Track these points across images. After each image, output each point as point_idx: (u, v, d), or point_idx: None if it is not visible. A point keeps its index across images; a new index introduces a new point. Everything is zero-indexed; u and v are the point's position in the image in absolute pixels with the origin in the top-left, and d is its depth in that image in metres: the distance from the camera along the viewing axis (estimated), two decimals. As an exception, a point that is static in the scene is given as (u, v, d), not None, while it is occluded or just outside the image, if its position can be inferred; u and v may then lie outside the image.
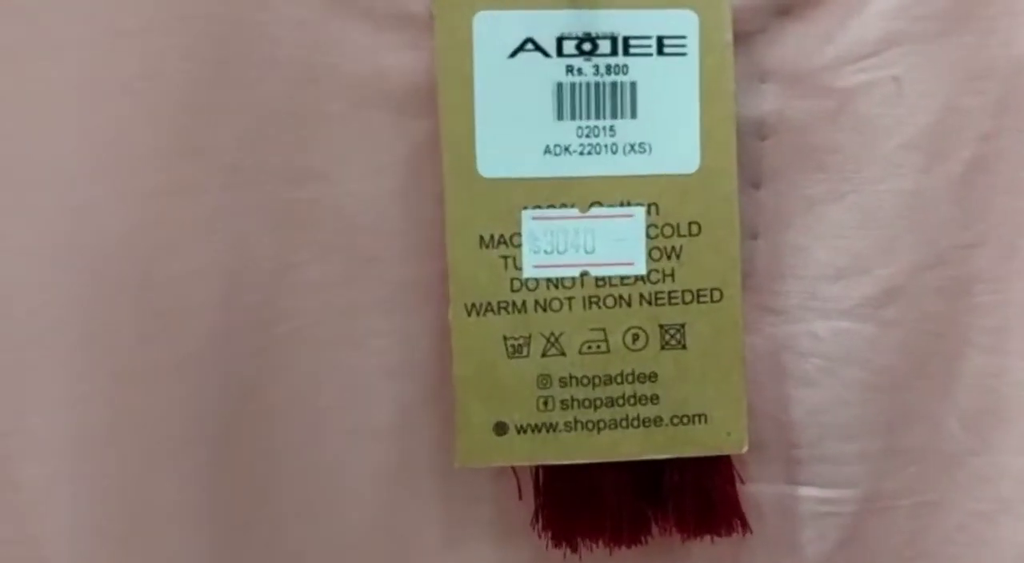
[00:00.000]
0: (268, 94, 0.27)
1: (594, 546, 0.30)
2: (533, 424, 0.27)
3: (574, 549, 0.29)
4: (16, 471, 0.28)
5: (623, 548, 0.30)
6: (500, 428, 0.27)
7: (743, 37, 0.27)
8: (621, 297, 0.27)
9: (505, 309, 0.27)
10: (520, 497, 0.30)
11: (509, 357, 0.27)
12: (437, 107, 0.26)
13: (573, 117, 0.26)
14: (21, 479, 0.28)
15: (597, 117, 0.26)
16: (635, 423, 0.27)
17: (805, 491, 0.31)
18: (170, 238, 0.27)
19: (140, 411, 0.28)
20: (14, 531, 0.28)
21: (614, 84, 0.26)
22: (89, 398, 0.27)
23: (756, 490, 0.30)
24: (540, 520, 0.29)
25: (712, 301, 0.27)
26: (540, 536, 0.30)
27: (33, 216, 0.27)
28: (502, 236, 0.26)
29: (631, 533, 0.30)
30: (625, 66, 0.26)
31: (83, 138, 0.26)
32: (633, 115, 0.26)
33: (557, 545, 0.30)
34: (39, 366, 0.27)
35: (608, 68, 0.26)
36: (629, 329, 0.27)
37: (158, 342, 0.27)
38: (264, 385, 0.29)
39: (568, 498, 0.29)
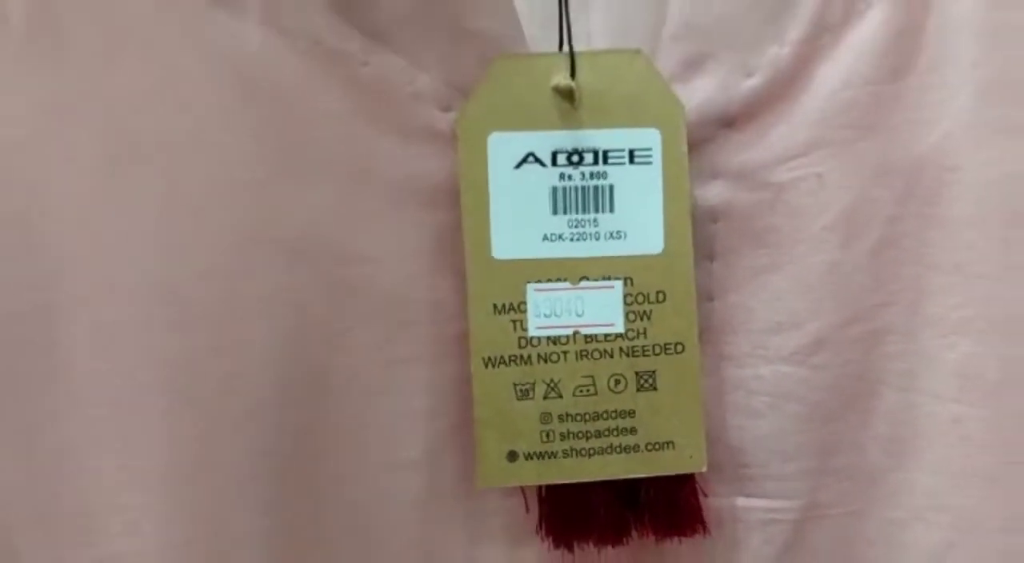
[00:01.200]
0: (324, 193, 0.32)
1: (586, 546, 0.35)
2: (537, 452, 0.33)
3: (570, 550, 0.34)
4: (117, 497, 0.33)
5: (609, 548, 0.35)
6: (511, 456, 0.33)
7: (696, 145, 0.33)
8: (605, 351, 0.32)
9: (514, 362, 0.32)
10: (527, 510, 0.35)
11: (518, 399, 0.32)
12: (460, 204, 0.32)
13: (565, 212, 0.32)
14: (123, 503, 0.33)
15: (583, 212, 0.32)
16: (618, 450, 0.33)
17: (755, 502, 0.36)
18: (243, 308, 0.32)
19: (217, 452, 0.32)
20: (109, 550, 0.34)
21: (596, 187, 0.32)
22: (177, 441, 0.31)
23: (715, 501, 0.35)
24: (543, 528, 0.34)
25: (676, 353, 0.33)
26: (543, 540, 0.35)
27: (130, 290, 0.31)
28: (511, 304, 0.32)
29: (615, 536, 0.35)
30: (605, 173, 0.32)
31: (171, 227, 0.31)
32: (611, 210, 0.32)
33: (557, 547, 0.35)
34: (137, 414, 0.32)
35: (592, 175, 0.32)
36: (612, 375, 0.33)
37: (232, 395, 0.32)
38: (318, 428, 0.33)
39: (565, 510, 0.34)
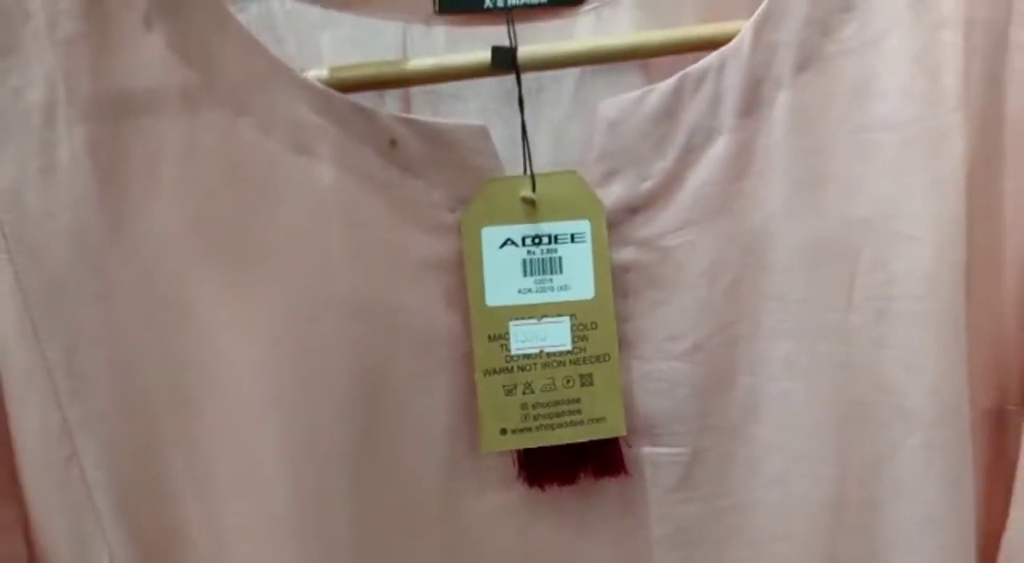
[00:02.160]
0: (379, 270, 0.45)
1: (550, 486, 0.48)
2: (519, 428, 0.47)
3: (542, 488, 0.48)
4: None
5: (565, 486, 0.48)
6: (503, 431, 0.47)
7: (613, 226, 0.47)
8: (560, 362, 0.47)
9: (503, 372, 0.47)
10: (513, 465, 0.48)
11: (506, 395, 0.47)
12: (465, 271, 0.47)
13: (532, 274, 0.47)
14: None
15: (543, 274, 0.47)
16: (569, 424, 0.47)
17: (658, 450, 0.49)
18: (334, 348, 0.44)
19: (319, 445, 0.44)
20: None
21: (551, 258, 0.47)
22: (289, 441, 0.44)
23: (633, 452, 0.49)
24: (522, 476, 0.48)
25: (605, 361, 0.47)
26: (523, 484, 0.48)
27: (257, 346, 0.44)
28: (499, 334, 0.47)
29: (569, 478, 0.48)
30: (556, 249, 0.47)
31: (286, 310, 0.44)
32: (561, 272, 0.47)
33: (531, 487, 0.48)
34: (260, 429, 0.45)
35: (547, 250, 0.47)
36: (565, 377, 0.47)
37: (327, 400, 0.44)
38: (380, 419, 0.46)
39: (536, 464, 0.48)
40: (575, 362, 0.48)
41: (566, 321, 0.48)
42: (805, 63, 0.47)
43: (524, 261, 0.47)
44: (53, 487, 0.44)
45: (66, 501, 0.44)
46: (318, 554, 0.46)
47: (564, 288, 0.48)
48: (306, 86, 0.45)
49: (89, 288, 0.43)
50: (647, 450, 0.50)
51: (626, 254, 0.49)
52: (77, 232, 0.43)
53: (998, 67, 0.47)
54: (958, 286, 0.48)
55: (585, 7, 0.52)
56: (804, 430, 0.49)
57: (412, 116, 0.47)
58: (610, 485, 0.50)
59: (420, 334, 0.47)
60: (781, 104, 0.47)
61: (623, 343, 0.49)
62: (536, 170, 0.47)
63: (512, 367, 0.47)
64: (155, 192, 0.44)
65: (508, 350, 0.47)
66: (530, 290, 0.47)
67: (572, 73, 0.51)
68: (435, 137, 0.46)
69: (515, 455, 0.49)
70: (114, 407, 0.44)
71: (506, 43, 0.47)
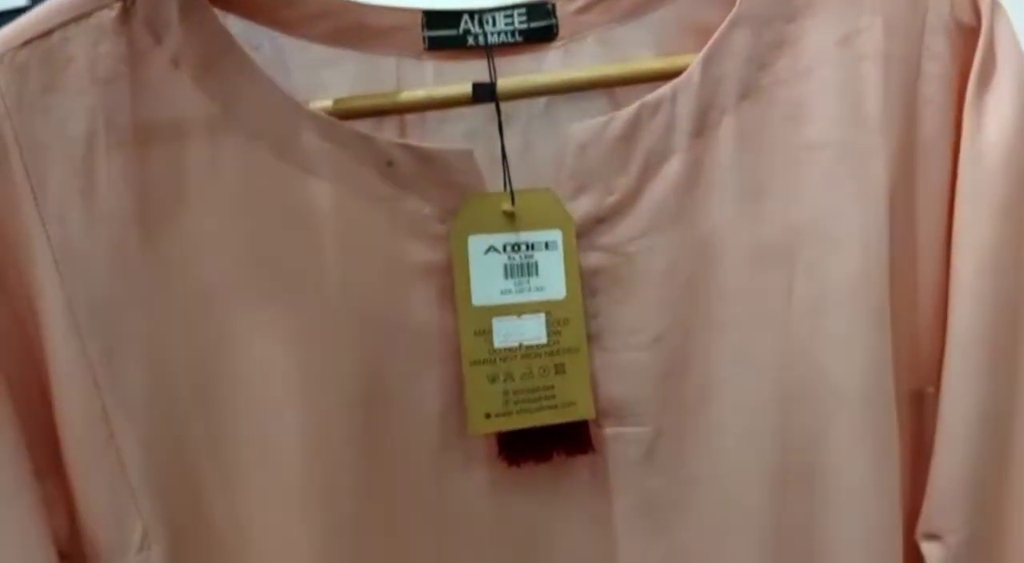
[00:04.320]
0: (378, 277, 0.50)
1: (526, 463, 0.53)
2: (501, 412, 0.52)
3: (519, 466, 0.53)
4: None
5: (541, 463, 0.53)
6: (487, 415, 0.52)
7: (582, 235, 0.53)
8: (536, 354, 0.53)
9: (487, 363, 0.52)
10: (496, 445, 0.53)
11: (489, 384, 0.52)
12: (453, 275, 0.52)
13: (512, 277, 0.53)
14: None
15: (522, 276, 0.53)
16: (545, 408, 0.53)
17: (624, 430, 0.54)
18: (343, 348, 0.50)
19: (331, 429, 0.50)
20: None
21: (528, 263, 0.53)
22: (305, 426, 0.50)
23: (601, 432, 0.54)
24: (502, 454, 0.53)
25: (575, 352, 0.53)
26: (502, 460, 0.53)
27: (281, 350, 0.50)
28: (484, 329, 0.52)
29: (543, 456, 0.53)
30: (532, 255, 0.53)
31: (300, 318, 0.49)
32: (537, 275, 0.53)
33: (510, 465, 0.53)
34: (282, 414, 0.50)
35: (525, 257, 0.53)
36: (540, 367, 0.53)
37: (337, 391, 0.50)
38: (380, 408, 0.51)
39: (514, 443, 0.53)
40: (550, 354, 0.54)
41: (542, 318, 0.54)
42: (746, 92, 0.54)
43: (505, 265, 0.53)
44: (93, 466, 0.49)
45: (104, 479, 0.49)
46: (326, 525, 0.52)
47: (540, 289, 0.54)
48: (312, 116, 0.51)
49: (125, 293, 0.49)
50: (613, 430, 0.55)
51: (594, 259, 0.55)
52: (114, 245, 0.48)
53: (912, 95, 0.54)
54: (882, 282, 0.54)
55: (555, 43, 0.58)
56: (751, 410, 0.55)
57: (406, 141, 0.53)
58: (581, 462, 0.55)
59: (415, 331, 0.53)
60: (727, 127, 0.54)
61: (591, 336, 0.54)
62: (514, 187, 0.53)
63: (495, 359, 0.53)
64: (182, 208, 0.49)
65: (491, 344, 0.53)
66: (510, 291, 0.53)
67: (544, 100, 0.57)
68: (427, 158, 0.52)
69: (496, 437, 0.54)
70: (147, 397, 0.49)
71: (487, 76, 0.53)
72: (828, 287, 0.54)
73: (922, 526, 0.57)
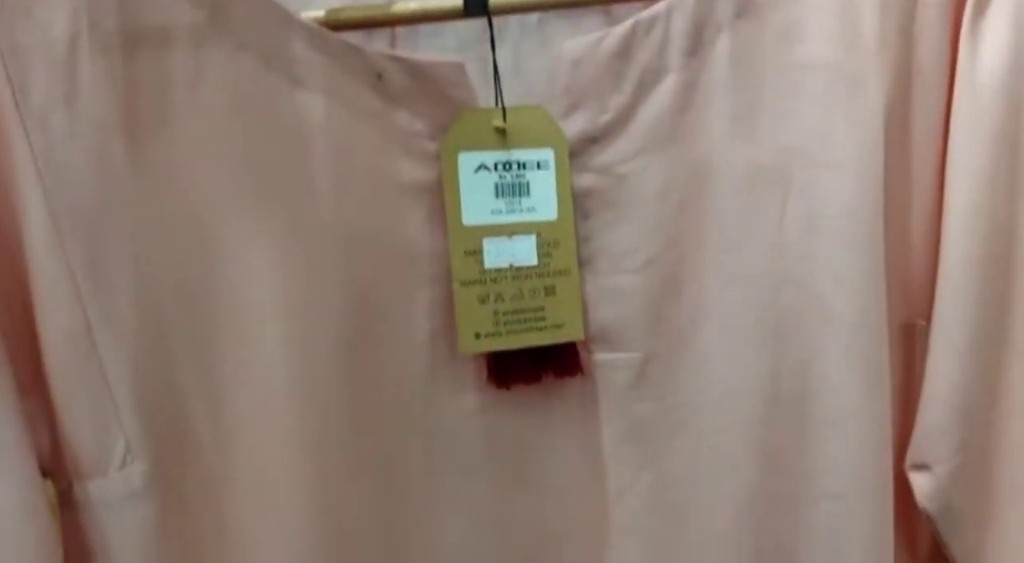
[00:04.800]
0: (367, 195, 0.50)
1: (515, 385, 0.53)
2: (491, 332, 0.52)
3: (508, 388, 0.53)
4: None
5: (530, 386, 0.53)
6: (477, 336, 0.52)
7: (575, 155, 0.52)
8: (527, 275, 0.52)
9: (477, 283, 0.52)
10: (486, 366, 0.53)
11: (480, 304, 0.52)
12: (444, 194, 0.51)
13: (503, 196, 0.52)
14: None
15: (513, 196, 0.53)
16: (534, 329, 0.52)
17: (614, 355, 0.54)
18: (332, 264, 0.49)
19: (321, 341, 0.49)
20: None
21: (519, 183, 0.53)
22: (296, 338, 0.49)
23: (591, 356, 0.54)
24: (491, 376, 0.53)
25: (566, 275, 0.53)
26: (492, 383, 0.53)
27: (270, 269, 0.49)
28: (475, 250, 0.51)
29: (533, 378, 0.53)
30: (524, 175, 0.53)
31: (288, 234, 0.49)
32: (528, 195, 0.53)
33: (499, 388, 0.53)
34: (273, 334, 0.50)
35: (516, 176, 0.52)
36: (531, 288, 0.52)
37: (331, 307, 0.49)
38: (371, 324, 0.50)
39: (503, 366, 0.53)
40: (540, 275, 0.53)
41: (532, 239, 0.53)
42: (741, 10, 0.53)
43: (496, 185, 0.53)
44: (75, 380, 0.48)
45: (87, 393, 0.48)
46: (314, 446, 0.51)
47: (531, 210, 0.53)
48: (302, 26, 0.50)
49: (108, 203, 0.48)
50: (604, 356, 0.55)
51: (586, 179, 0.54)
52: (98, 153, 0.47)
53: (909, 21, 0.54)
54: (876, 208, 0.54)
55: (549, -43, 0.57)
56: (742, 334, 0.55)
57: (397, 53, 0.52)
58: (570, 386, 0.55)
59: (405, 250, 0.52)
60: (721, 45, 0.53)
61: (582, 261, 0.54)
62: (506, 103, 0.53)
63: (485, 279, 0.53)
64: (168, 117, 0.48)
65: (482, 264, 0.52)
66: (501, 211, 0.53)
67: (536, 15, 0.57)
68: (417, 71, 0.51)
69: (486, 359, 0.54)
70: (131, 311, 0.48)
71: (480, -13, 0.52)
72: (822, 210, 0.54)
73: (911, 457, 0.58)
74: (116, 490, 0.49)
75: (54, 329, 0.48)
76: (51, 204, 0.46)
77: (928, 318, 0.57)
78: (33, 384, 0.48)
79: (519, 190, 0.53)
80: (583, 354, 0.55)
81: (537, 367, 0.54)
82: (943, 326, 0.56)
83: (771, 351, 0.55)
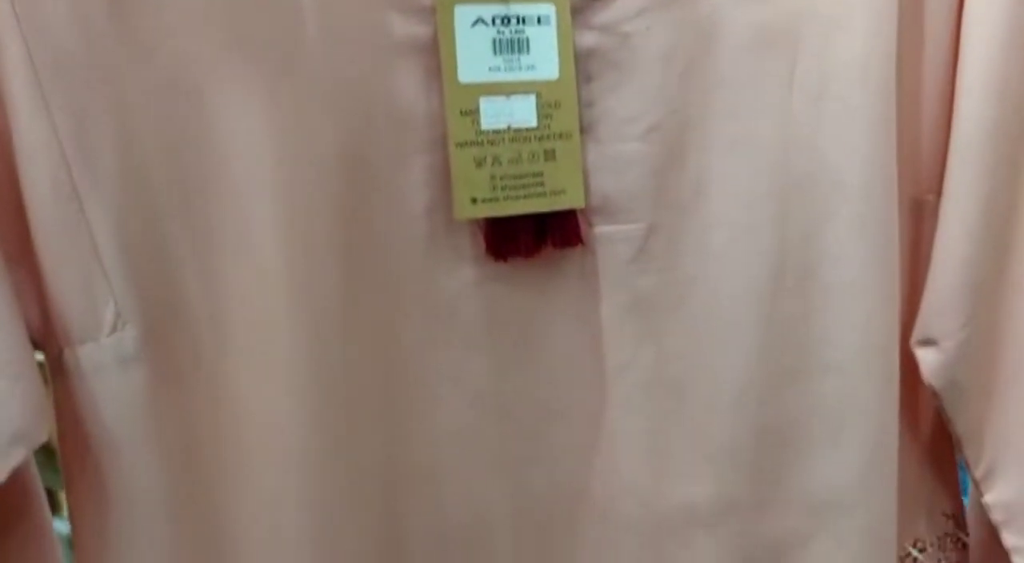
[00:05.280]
0: (363, 52, 0.47)
1: (513, 257, 0.51)
2: (488, 198, 0.50)
3: (505, 260, 0.51)
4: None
5: (530, 258, 0.52)
6: (473, 200, 0.50)
7: (577, 11, 0.50)
8: (526, 137, 0.50)
9: (474, 145, 0.49)
10: (481, 233, 0.51)
11: (476, 168, 0.49)
12: (439, 51, 0.49)
13: (501, 53, 0.50)
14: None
15: (512, 53, 0.50)
16: (533, 195, 0.50)
17: (616, 227, 0.52)
18: (321, 124, 0.47)
19: (313, 214, 0.48)
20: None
21: (519, 39, 0.50)
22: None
23: (592, 229, 0.52)
24: (489, 247, 0.51)
25: (567, 139, 0.51)
26: (490, 254, 0.51)
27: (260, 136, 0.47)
28: (471, 109, 0.49)
29: (532, 249, 0.51)
30: (523, 30, 0.50)
31: (276, 85, 0.46)
32: (528, 52, 0.50)
33: (497, 260, 0.51)
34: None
35: (516, 31, 0.50)
36: (530, 152, 0.50)
37: (322, 178, 0.47)
38: (369, 191, 0.48)
39: (501, 235, 0.51)
40: (540, 138, 0.51)
41: (532, 99, 0.51)
42: None
43: (494, 40, 0.50)
44: (63, 244, 0.46)
45: (75, 257, 0.46)
46: (308, 316, 0.50)
47: (531, 68, 0.51)
48: None
49: (94, 65, 0.45)
50: (605, 228, 0.53)
51: (589, 38, 0.52)
52: (81, 11, 0.45)
53: None
54: (888, 75, 0.52)
55: None
56: (748, 203, 0.53)
57: (390, -102, 0.49)
58: (570, 259, 0.53)
59: (399, 113, 0.50)
60: None
61: (584, 128, 0.52)
62: (506, -43, 0.50)
63: (482, 141, 0.50)
64: None
65: (479, 125, 0.50)
66: (499, 68, 0.50)
67: None
68: (411, -83, 0.49)
69: (483, 228, 0.52)
70: (119, 171, 0.47)
71: None
72: (832, 72, 0.52)
73: (917, 332, 0.57)
74: (107, 355, 0.47)
75: (40, 193, 0.46)
76: (34, 60, 0.44)
77: (938, 193, 0.56)
78: (22, 255, 0.47)
79: (518, 46, 0.51)
80: (583, 226, 0.53)
81: (536, 238, 0.52)
82: (953, 199, 0.55)
83: (778, 221, 0.53)
